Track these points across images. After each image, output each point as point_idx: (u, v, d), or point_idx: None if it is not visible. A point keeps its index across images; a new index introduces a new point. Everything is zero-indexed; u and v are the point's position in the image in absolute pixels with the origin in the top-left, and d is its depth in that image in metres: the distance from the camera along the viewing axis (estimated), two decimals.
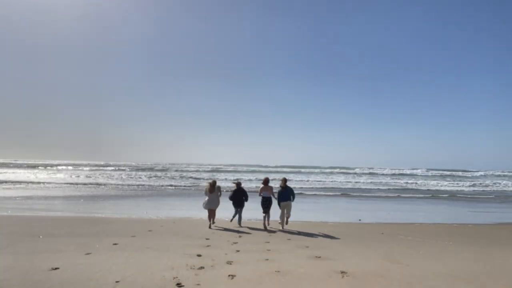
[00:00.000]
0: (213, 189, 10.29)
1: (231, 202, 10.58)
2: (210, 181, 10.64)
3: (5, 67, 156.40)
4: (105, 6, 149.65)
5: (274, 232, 9.92)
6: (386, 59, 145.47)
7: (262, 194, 10.52)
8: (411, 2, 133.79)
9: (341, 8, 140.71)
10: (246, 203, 10.63)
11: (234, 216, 10.78)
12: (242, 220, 11.00)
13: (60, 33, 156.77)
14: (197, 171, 52.32)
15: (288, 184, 10.83)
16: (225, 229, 10.07)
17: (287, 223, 10.47)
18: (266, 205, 10.33)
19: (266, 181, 10.52)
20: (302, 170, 62.83)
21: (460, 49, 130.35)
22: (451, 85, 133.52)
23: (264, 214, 10.34)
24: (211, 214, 10.37)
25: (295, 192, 10.71)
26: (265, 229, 10.00)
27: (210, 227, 10.19)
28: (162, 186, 29.82)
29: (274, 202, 10.43)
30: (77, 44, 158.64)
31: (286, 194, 10.19)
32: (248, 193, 10.68)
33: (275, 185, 11.35)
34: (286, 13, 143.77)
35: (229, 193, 10.73)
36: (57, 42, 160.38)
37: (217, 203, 10.37)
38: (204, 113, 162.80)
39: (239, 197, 10.44)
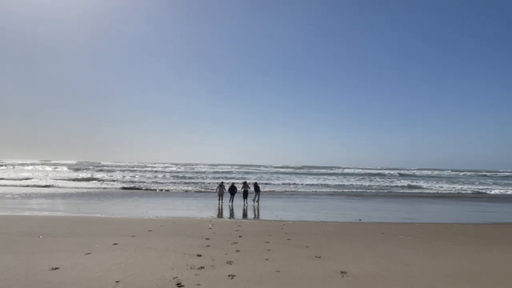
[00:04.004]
0: (221, 187, 18.10)
1: (229, 192, 18.57)
2: (219, 182, 19.33)
3: (5, 67, 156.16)
4: (105, 6, 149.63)
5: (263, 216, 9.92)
6: (392, 57, 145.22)
7: (242, 189, 18.36)
8: (410, 2, 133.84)
9: (342, 9, 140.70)
10: (237, 194, 18.73)
11: (230, 200, 18.01)
12: (241, 220, 12.71)
13: (60, 33, 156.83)
14: (199, 172, 52.31)
15: (284, 183, 22.06)
16: (225, 229, 10.09)
17: (258, 202, 18.02)
18: (245, 195, 18.11)
19: (244, 183, 18.82)
20: (313, 170, 62.79)
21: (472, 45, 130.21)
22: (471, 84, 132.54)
23: (245, 200, 17.91)
24: (220, 198, 17.71)
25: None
26: (245, 204, 17.52)
27: (220, 206, 16.91)
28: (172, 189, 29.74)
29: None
30: (77, 44, 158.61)
31: (258, 188, 18.61)
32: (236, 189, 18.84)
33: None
34: (286, 14, 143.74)
35: (227, 187, 18.71)
36: (56, 43, 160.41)
37: (222, 193, 17.90)
38: (204, 113, 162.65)
39: (233, 189, 18.44)
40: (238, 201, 18.18)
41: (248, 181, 19.48)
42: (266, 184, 32.16)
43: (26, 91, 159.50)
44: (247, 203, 17.80)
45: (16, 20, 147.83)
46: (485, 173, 62.03)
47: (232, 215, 14.72)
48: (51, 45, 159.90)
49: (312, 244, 8.09)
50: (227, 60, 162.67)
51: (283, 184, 33.54)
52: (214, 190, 21.43)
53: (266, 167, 73.51)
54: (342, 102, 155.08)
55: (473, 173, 63.04)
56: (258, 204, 17.77)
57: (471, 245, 8.58)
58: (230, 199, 17.95)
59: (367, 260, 6.59)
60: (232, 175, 44.97)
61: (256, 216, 14.59)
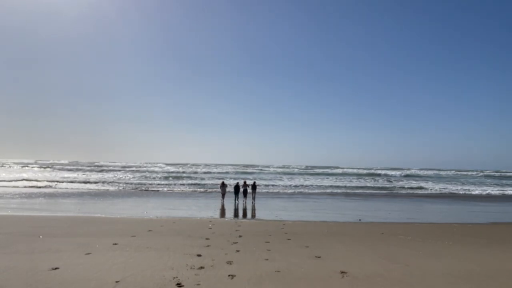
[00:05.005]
0: (223, 186, 19.80)
1: (233, 190, 19.62)
2: (221, 181, 20.79)
3: (4, 66, 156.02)
4: (105, 6, 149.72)
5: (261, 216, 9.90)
6: (396, 57, 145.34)
7: (242, 188, 19.18)
8: (408, 3, 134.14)
9: (342, 9, 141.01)
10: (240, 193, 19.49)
11: (235, 198, 18.85)
12: (241, 220, 12.83)
13: (59, 32, 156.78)
14: (198, 172, 52.32)
15: (284, 184, 31.47)
16: (225, 229, 10.10)
17: (255, 200, 19.45)
18: (244, 193, 19.05)
19: (245, 182, 19.70)
20: (313, 170, 62.80)
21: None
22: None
23: (244, 198, 18.88)
24: (223, 195, 19.34)
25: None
26: (244, 202, 18.63)
27: (223, 203, 18.12)
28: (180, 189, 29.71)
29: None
30: (75, 43, 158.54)
31: (255, 187, 19.94)
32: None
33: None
34: (287, 12, 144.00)
35: (231, 186, 20.37)
36: (56, 42, 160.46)
37: (225, 192, 19.53)
38: (203, 113, 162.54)
39: (237, 188, 19.27)
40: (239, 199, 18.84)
41: (247, 181, 20.24)
42: (266, 185, 32.14)
43: (21, 90, 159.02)
44: (245, 201, 18.88)
45: (15, 19, 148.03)
46: (488, 173, 61.97)
47: (235, 212, 15.57)
48: (50, 44, 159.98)
49: (312, 244, 8.09)
50: (227, 59, 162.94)
51: (283, 184, 33.54)
52: (215, 190, 23.62)
53: (266, 167, 73.53)
54: (344, 102, 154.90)
55: (475, 173, 62.99)
56: (255, 202, 19.03)
57: (471, 245, 8.58)
58: (235, 197, 19.03)
59: (367, 260, 6.59)
60: (233, 176, 45.00)
61: (254, 214, 14.87)
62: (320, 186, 32.79)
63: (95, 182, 31.63)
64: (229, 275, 5.33)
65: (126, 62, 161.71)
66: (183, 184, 31.56)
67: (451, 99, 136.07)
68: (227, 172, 51.97)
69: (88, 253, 6.59)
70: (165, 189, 27.51)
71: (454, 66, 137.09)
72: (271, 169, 65.01)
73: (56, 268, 5.51)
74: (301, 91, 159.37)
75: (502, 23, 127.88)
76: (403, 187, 33.31)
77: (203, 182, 34.22)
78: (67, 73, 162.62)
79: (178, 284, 4.84)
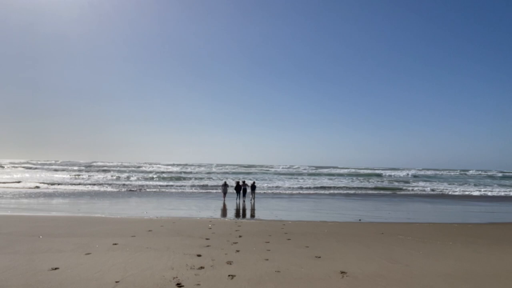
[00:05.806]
0: (225, 186, 20.19)
1: (235, 190, 20.09)
2: (223, 181, 21.52)
3: (3, 66, 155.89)
4: (105, 5, 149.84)
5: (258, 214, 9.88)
6: (399, 58, 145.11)
7: (242, 187, 19.76)
8: (407, 4, 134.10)
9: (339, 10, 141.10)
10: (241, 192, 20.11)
11: (237, 198, 19.42)
12: (241, 220, 12.96)
13: (58, 31, 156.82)
14: (198, 172, 52.30)
15: (284, 184, 31.49)
16: (225, 229, 10.10)
17: (254, 200, 19.99)
18: (243, 193, 19.70)
19: (243, 182, 20.39)
20: (313, 171, 62.77)
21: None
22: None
23: (243, 198, 19.53)
24: (224, 195, 19.83)
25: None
26: (243, 201, 19.20)
27: (224, 203, 18.51)
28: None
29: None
30: (74, 44, 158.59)
31: (254, 187, 20.57)
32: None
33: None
34: (290, 14, 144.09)
35: (233, 186, 20.74)
36: (55, 41, 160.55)
37: (226, 191, 20.00)
38: (203, 114, 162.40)
39: (238, 188, 19.76)
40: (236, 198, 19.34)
41: (246, 181, 20.87)
42: (266, 186, 32.14)
43: (20, 90, 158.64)
44: (245, 200, 19.48)
45: (14, 18, 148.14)
46: (490, 174, 61.91)
47: (237, 210, 16.01)
48: (49, 43, 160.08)
49: (312, 244, 8.09)
50: (227, 60, 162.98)
51: (283, 184, 33.53)
52: (215, 190, 24.92)
53: (266, 167, 73.50)
54: (344, 103, 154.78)
55: (477, 173, 62.90)
56: (254, 201, 19.45)
57: (471, 245, 8.58)
58: (237, 197, 19.72)
59: (367, 260, 6.59)
60: (233, 176, 45.01)
61: (254, 214, 14.92)
62: (320, 186, 32.79)
63: (95, 183, 31.62)
64: (229, 275, 5.33)
65: (125, 62, 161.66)
66: (183, 185, 31.56)
67: (451, 100, 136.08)
68: (227, 173, 51.93)
69: (88, 253, 6.59)
70: (165, 189, 27.50)
71: (455, 66, 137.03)
72: (271, 170, 65.01)
73: (56, 268, 5.51)
74: (301, 92, 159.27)
75: (502, 23, 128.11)
76: (404, 187, 33.30)
77: (203, 182, 34.20)
78: (66, 73, 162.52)
79: (178, 284, 4.84)
